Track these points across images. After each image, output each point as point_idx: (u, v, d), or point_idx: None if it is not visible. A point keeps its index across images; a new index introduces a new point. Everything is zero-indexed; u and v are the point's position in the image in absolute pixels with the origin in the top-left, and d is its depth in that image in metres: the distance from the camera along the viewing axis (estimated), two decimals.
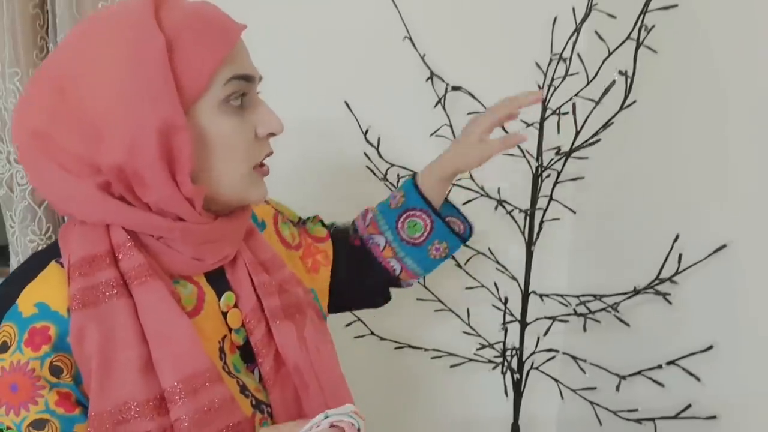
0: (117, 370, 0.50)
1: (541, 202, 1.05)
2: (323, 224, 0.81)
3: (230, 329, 0.60)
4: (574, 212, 1.14)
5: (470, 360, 1.14)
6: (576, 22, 0.96)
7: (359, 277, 0.78)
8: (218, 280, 0.60)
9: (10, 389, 0.48)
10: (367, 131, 1.05)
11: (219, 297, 0.60)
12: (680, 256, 0.88)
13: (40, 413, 0.48)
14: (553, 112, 1.00)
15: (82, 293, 0.50)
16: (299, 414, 0.60)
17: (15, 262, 0.94)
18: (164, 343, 0.51)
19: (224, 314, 0.60)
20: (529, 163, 1.03)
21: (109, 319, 0.50)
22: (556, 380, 1.13)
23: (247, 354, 0.60)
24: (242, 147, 0.55)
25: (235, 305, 0.61)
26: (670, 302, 0.92)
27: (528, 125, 1.08)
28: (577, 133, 0.97)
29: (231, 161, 0.54)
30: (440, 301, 1.12)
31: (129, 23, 0.50)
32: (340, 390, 0.63)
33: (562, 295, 1.09)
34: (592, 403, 1.06)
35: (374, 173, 1.08)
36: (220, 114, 0.52)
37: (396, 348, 1.16)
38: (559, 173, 1.03)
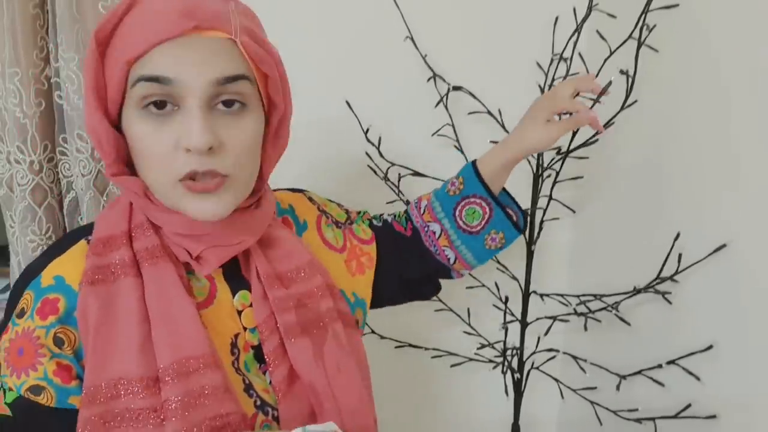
0: (116, 346, 0.51)
1: (541, 202, 1.05)
2: (371, 221, 0.78)
3: (245, 328, 0.59)
4: (574, 212, 1.14)
5: (470, 360, 1.14)
6: (577, 22, 0.96)
7: (409, 268, 0.75)
8: (236, 279, 0.60)
9: (17, 353, 0.51)
10: (368, 130, 1.05)
11: (234, 294, 0.59)
12: (680, 255, 0.88)
13: (38, 380, 0.51)
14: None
15: (93, 271, 0.53)
16: None
17: (15, 262, 0.94)
18: (165, 323, 0.52)
19: (239, 312, 0.59)
20: (529, 162, 1.03)
21: (114, 297, 0.52)
22: (556, 380, 1.13)
23: (262, 354, 0.59)
24: (156, 156, 0.51)
25: (252, 305, 0.60)
26: (670, 302, 0.92)
27: None
28: (575, 132, 0.97)
29: (148, 168, 0.53)
30: (440, 300, 1.12)
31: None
32: (359, 411, 0.61)
33: (562, 295, 1.09)
34: (592, 402, 1.06)
35: (375, 173, 1.08)
36: (138, 117, 0.51)
37: (396, 347, 1.16)
38: (557, 173, 1.03)
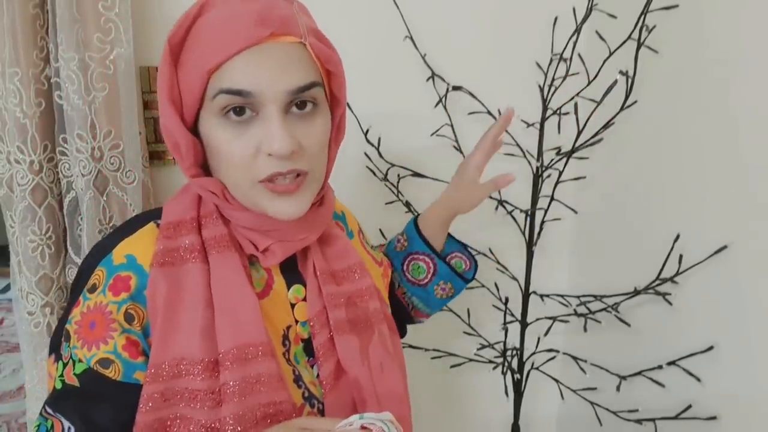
0: (180, 327, 0.53)
1: (542, 202, 1.05)
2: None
3: (296, 321, 0.61)
4: (576, 212, 1.14)
5: (470, 360, 1.14)
6: (576, 22, 0.95)
7: (395, 303, 0.80)
8: (292, 272, 0.62)
9: (89, 326, 0.53)
10: (367, 131, 1.05)
11: (289, 288, 0.61)
12: (681, 257, 0.88)
13: (108, 353, 0.52)
14: (554, 112, 1.00)
15: (163, 253, 0.55)
16: None
17: (15, 262, 0.93)
18: (228, 310, 0.54)
19: (293, 305, 0.61)
20: (529, 163, 1.03)
21: (182, 280, 0.54)
22: (556, 380, 1.13)
23: (310, 348, 0.61)
24: (237, 161, 0.53)
25: (305, 299, 0.62)
26: (670, 303, 0.92)
27: (528, 125, 1.08)
28: (579, 133, 0.97)
29: (229, 172, 0.54)
30: None
31: None
32: (399, 409, 0.62)
33: (562, 296, 1.09)
34: (592, 403, 1.06)
35: (375, 173, 1.08)
36: (218, 125, 0.53)
37: None
38: (560, 173, 1.03)
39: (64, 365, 0.54)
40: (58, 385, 0.54)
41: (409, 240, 0.79)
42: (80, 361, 0.53)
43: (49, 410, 0.54)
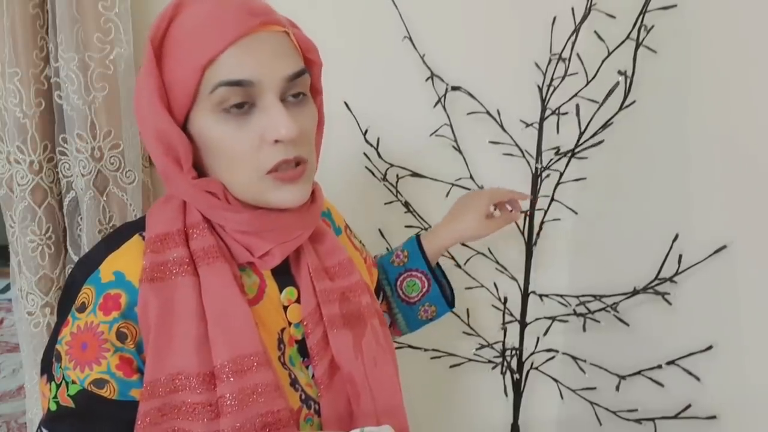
0: (174, 341, 0.52)
1: (542, 202, 1.05)
2: None
3: (290, 323, 0.61)
4: (576, 213, 1.14)
5: (470, 360, 1.14)
6: (575, 22, 0.96)
7: None
8: (283, 275, 0.62)
9: (81, 347, 0.52)
10: (366, 131, 1.05)
11: (281, 290, 0.61)
12: (680, 256, 0.88)
13: (102, 373, 0.52)
14: (553, 112, 1.00)
15: (152, 268, 0.54)
16: (349, 421, 0.60)
17: (15, 262, 0.94)
18: (221, 322, 0.53)
19: (285, 308, 0.61)
20: (528, 163, 1.03)
21: (172, 295, 0.53)
22: (555, 380, 1.13)
23: (305, 349, 0.61)
24: (242, 154, 0.52)
25: (297, 300, 0.62)
26: (669, 302, 0.92)
27: (527, 125, 1.08)
28: (582, 133, 0.97)
29: (233, 167, 0.54)
30: None
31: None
32: (393, 403, 0.63)
33: (561, 295, 1.09)
34: (591, 403, 1.06)
35: (374, 173, 1.08)
36: (215, 120, 0.52)
37: (396, 348, 1.15)
38: (561, 174, 1.03)
39: (57, 386, 0.53)
40: (53, 407, 0.53)
41: (411, 256, 0.80)
42: (74, 382, 0.52)
43: (45, 431, 0.53)
